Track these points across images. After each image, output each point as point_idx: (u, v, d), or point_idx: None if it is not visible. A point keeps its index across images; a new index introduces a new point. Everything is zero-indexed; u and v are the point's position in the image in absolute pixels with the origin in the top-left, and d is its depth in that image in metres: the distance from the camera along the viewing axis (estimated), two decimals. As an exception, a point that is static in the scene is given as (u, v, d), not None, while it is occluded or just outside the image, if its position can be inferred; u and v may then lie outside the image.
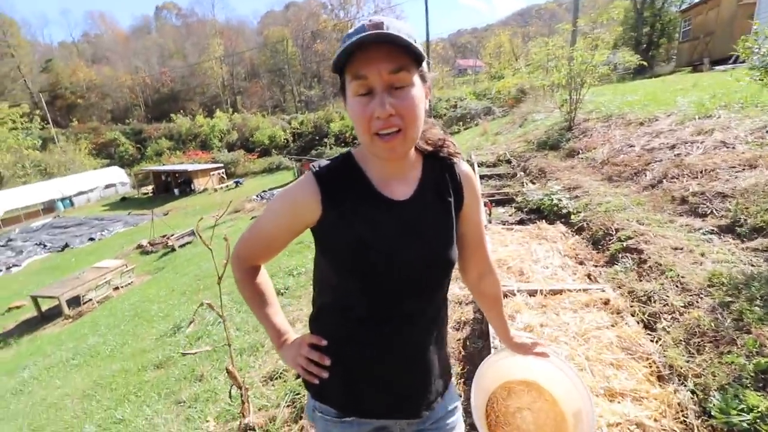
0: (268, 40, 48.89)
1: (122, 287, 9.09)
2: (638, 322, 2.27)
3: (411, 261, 0.80)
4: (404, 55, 0.69)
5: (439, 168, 0.87)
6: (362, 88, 0.70)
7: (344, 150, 0.88)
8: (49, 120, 35.72)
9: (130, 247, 13.10)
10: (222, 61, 48.62)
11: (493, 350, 2.10)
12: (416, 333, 0.86)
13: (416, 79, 0.72)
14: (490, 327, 2.23)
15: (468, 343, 2.51)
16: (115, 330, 6.30)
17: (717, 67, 11.22)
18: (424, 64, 0.72)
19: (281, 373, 2.90)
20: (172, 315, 6.03)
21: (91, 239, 15.60)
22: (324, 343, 0.88)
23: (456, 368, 2.34)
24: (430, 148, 0.87)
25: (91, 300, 8.45)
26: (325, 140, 27.38)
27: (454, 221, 0.86)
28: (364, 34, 0.67)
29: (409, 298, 0.82)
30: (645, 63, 9.46)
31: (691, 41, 14.90)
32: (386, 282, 0.79)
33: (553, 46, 8.60)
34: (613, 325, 2.22)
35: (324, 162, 0.83)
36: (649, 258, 2.70)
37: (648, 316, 2.30)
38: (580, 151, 6.25)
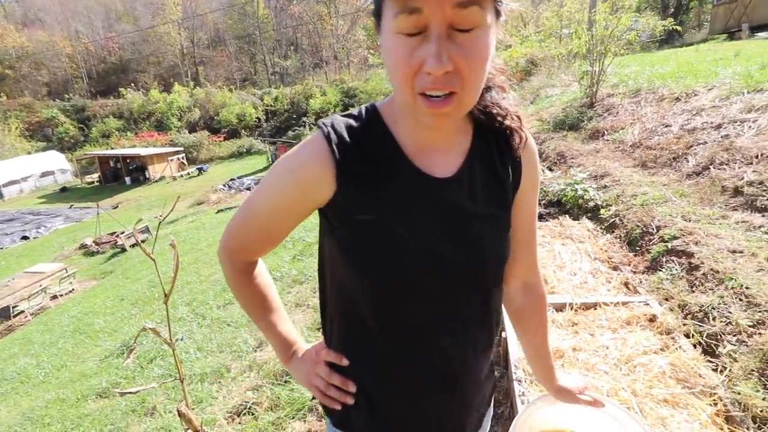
0: (234, 0, 47.84)
1: (61, 296, 8.90)
2: (695, 346, 2.15)
3: (455, 260, 0.71)
4: None
5: (494, 138, 0.77)
6: (410, 25, 0.56)
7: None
8: (-28, 95, 34.69)
9: (72, 247, 12.87)
10: (180, 25, 47.62)
11: (515, 383, 1.94)
12: (469, 355, 0.79)
13: (490, 17, 0.58)
14: (514, 356, 2.06)
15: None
16: (52, 349, 6.14)
17: (759, 34, 11.23)
18: None
19: (251, 407, 2.74)
20: (121, 330, 5.90)
21: (25, 238, 15.39)
22: (345, 362, 0.81)
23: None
24: (483, 117, 0.76)
25: (23, 312, 8.26)
26: (304, 119, 27.11)
27: (510, 209, 0.79)
28: None
29: (454, 307, 0.75)
30: (678, 28, 9.40)
31: (727, 4, 14.89)
32: (423, 287, 0.71)
33: (569, 10, 8.54)
34: (662, 349, 2.10)
35: (338, 119, 0.72)
36: (702, 263, 2.57)
37: (706, 337, 2.17)
38: (606, 132, 6.18)
